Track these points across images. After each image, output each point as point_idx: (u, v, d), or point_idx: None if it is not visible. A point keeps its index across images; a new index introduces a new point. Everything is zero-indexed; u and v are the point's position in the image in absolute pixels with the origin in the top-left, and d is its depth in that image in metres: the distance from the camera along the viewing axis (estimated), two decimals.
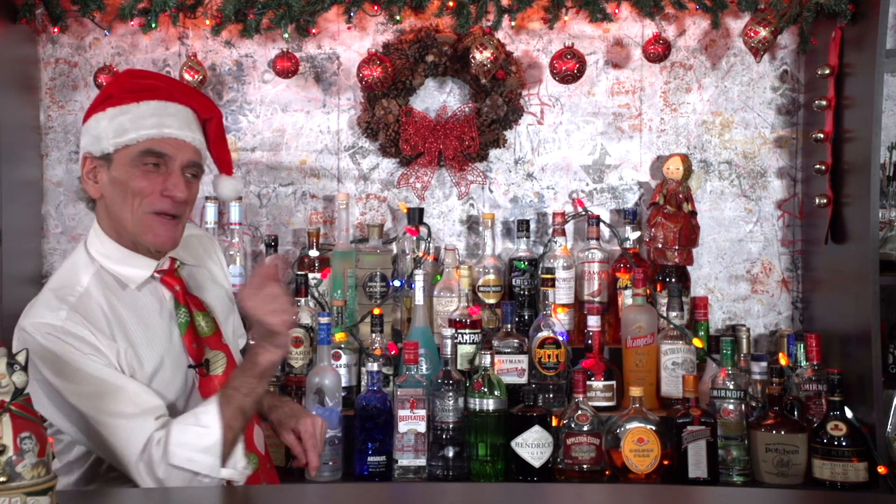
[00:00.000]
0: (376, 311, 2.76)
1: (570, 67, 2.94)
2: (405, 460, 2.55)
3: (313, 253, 2.98)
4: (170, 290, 2.00)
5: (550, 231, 3.05)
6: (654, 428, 2.54)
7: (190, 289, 2.04)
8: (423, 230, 2.99)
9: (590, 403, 2.64)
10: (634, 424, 2.54)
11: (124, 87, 2.00)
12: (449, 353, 2.64)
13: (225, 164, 2.11)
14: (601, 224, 3.03)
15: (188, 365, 1.97)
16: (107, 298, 1.92)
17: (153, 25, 2.90)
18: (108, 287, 1.94)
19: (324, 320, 2.60)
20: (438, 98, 3.14)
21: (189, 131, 1.98)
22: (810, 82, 3.05)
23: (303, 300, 2.81)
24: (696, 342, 2.80)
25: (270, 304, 1.82)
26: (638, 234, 3.04)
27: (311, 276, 2.91)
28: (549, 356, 2.73)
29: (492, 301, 2.94)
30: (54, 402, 1.85)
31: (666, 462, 2.54)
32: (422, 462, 2.55)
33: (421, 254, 2.95)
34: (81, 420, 1.85)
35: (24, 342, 1.83)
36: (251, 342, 2.04)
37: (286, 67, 3.00)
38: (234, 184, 2.16)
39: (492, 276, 2.96)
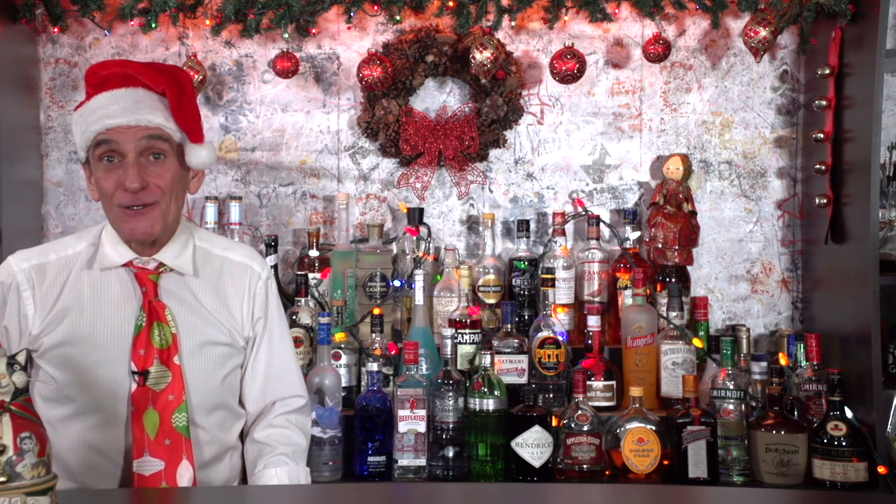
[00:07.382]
0: (376, 311, 2.76)
1: (570, 67, 2.94)
2: (405, 460, 2.55)
3: (313, 253, 2.98)
4: (140, 290, 2.01)
5: (550, 231, 3.05)
6: (654, 428, 2.54)
7: (161, 296, 2.01)
8: (423, 230, 2.99)
9: (590, 403, 2.64)
10: (634, 424, 2.54)
11: (88, 85, 2.02)
12: (449, 353, 2.64)
13: (192, 133, 2.02)
14: (601, 224, 3.03)
15: (130, 370, 1.95)
16: (78, 273, 2.01)
17: (153, 25, 2.90)
18: (88, 261, 2.03)
19: (324, 320, 2.60)
20: (438, 98, 3.14)
21: (135, 113, 1.94)
22: (810, 82, 3.05)
23: (303, 300, 2.81)
24: (696, 342, 2.80)
25: None
26: (638, 234, 3.04)
27: (311, 276, 2.91)
28: (549, 356, 2.73)
29: (492, 301, 2.94)
30: None
31: (666, 462, 2.54)
32: (422, 462, 2.55)
33: (421, 254, 2.95)
34: None
35: None
36: None
37: (286, 67, 3.00)
38: (199, 151, 2.03)
39: (492, 276, 2.95)
